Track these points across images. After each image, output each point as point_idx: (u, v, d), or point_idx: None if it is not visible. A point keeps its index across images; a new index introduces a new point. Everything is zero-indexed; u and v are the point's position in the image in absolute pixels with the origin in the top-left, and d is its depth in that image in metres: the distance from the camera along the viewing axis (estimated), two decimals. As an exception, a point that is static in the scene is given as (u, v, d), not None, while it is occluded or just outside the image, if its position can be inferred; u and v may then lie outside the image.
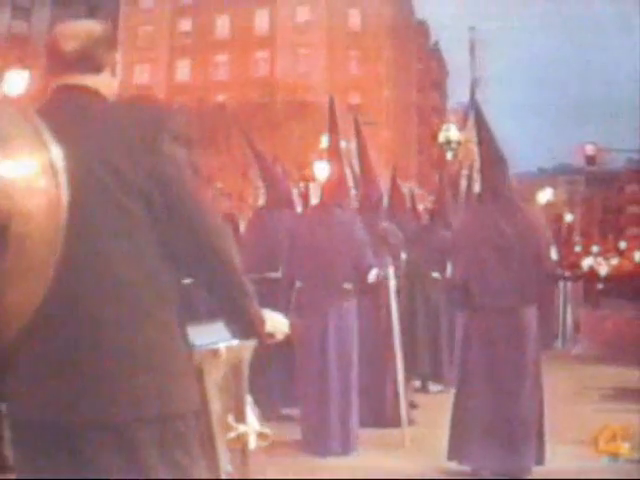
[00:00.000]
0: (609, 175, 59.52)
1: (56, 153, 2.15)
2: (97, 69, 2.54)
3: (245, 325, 2.53)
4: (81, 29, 2.56)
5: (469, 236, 5.90)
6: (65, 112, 2.46)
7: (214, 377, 2.68)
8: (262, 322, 2.55)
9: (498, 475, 5.63)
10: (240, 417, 2.76)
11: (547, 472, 5.72)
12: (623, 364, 10.46)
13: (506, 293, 5.67)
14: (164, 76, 44.30)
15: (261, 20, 44.63)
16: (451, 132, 20.25)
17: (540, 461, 5.74)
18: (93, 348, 2.33)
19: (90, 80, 2.52)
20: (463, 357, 5.84)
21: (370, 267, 6.73)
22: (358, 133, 8.68)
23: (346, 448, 6.42)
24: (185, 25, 45.24)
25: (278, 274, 7.64)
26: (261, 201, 8.49)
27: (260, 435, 2.77)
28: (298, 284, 6.76)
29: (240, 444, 2.72)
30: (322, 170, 26.02)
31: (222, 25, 44.92)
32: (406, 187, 13.17)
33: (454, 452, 5.77)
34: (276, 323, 2.63)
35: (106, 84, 2.56)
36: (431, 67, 51.42)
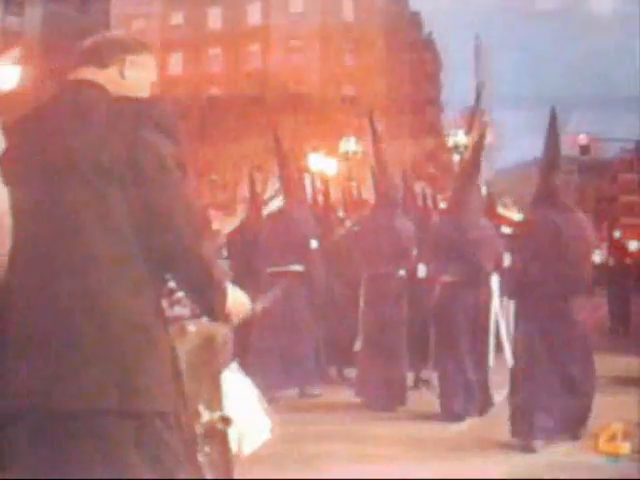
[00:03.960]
0: (602, 164, 59.54)
1: None
2: (102, 64, 2.62)
3: (208, 313, 2.61)
4: (102, 34, 2.73)
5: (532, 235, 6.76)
6: (62, 105, 2.54)
7: (181, 353, 2.67)
8: (223, 312, 2.58)
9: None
10: (213, 403, 2.72)
11: (541, 467, 5.74)
12: (619, 353, 10.47)
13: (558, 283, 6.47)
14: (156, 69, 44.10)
15: (253, 12, 44.49)
16: (459, 137, 22.04)
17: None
18: (69, 340, 2.35)
19: (93, 74, 2.61)
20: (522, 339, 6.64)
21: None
22: (374, 133, 9.18)
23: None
24: (177, 18, 45.10)
25: (300, 267, 8.41)
26: (274, 198, 8.93)
27: (222, 419, 2.74)
28: (445, 278, 7.67)
29: (211, 433, 2.69)
30: (316, 162, 26.11)
31: (214, 18, 44.79)
32: (419, 186, 13.35)
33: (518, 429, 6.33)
34: (235, 305, 2.63)
35: (111, 80, 2.61)
36: (425, 58, 51.33)
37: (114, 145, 2.42)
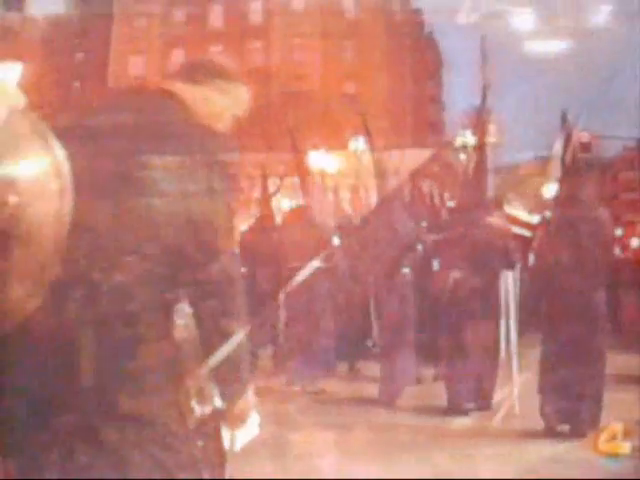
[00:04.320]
0: (603, 163, 59.55)
1: (61, 156, 2.15)
2: (190, 80, 2.64)
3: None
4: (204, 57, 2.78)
5: (553, 234, 7.12)
6: (131, 112, 2.52)
7: None
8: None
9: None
10: (204, 396, 2.73)
11: (540, 463, 5.76)
12: (618, 350, 10.47)
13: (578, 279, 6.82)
14: (158, 67, 44.13)
15: (255, 10, 44.48)
16: (467, 138, 22.94)
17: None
18: (75, 340, 2.36)
19: (179, 87, 2.62)
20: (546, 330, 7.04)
21: (516, 260, 8.09)
22: (369, 137, 9.45)
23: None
24: (178, 15, 45.08)
25: (319, 263, 8.63)
26: (274, 195, 9.26)
27: (214, 412, 2.75)
28: (455, 274, 7.78)
29: (204, 427, 2.70)
30: (318, 160, 26.12)
31: (216, 15, 44.77)
32: (426, 184, 13.44)
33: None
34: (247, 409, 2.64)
35: (194, 98, 2.60)
36: (426, 56, 51.28)
37: (179, 183, 2.40)
